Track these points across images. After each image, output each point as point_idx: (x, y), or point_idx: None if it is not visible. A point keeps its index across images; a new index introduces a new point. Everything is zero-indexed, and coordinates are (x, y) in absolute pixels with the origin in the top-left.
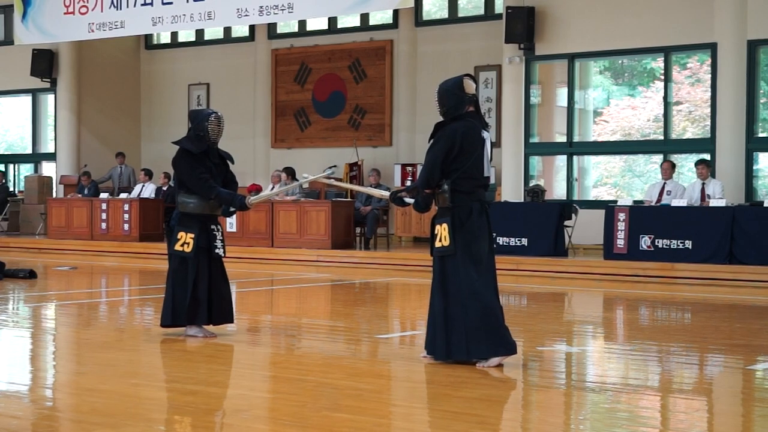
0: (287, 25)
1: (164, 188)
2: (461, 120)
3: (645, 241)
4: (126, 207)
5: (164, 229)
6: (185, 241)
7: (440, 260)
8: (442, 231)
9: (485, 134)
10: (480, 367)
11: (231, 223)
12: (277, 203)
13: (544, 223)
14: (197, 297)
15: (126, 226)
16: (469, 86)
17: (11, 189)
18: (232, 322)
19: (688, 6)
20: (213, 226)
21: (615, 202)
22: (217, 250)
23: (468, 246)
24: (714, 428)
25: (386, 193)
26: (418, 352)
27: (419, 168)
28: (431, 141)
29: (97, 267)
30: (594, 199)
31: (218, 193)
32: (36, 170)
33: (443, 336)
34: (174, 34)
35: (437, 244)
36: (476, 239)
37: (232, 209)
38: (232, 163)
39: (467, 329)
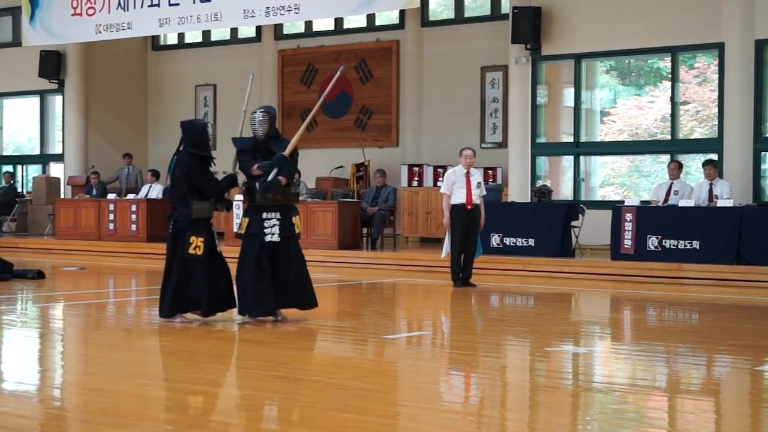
0: (294, 25)
1: None
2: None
3: (652, 242)
4: (133, 207)
5: (169, 231)
6: (197, 245)
7: (290, 240)
8: (297, 221)
9: None
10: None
11: (239, 224)
12: None
13: (551, 224)
14: (206, 290)
15: (133, 227)
16: None
17: (19, 190)
18: (236, 306)
19: (695, 6)
20: (213, 228)
21: (622, 202)
22: (218, 249)
23: None
24: (722, 429)
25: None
26: (425, 353)
27: (425, 168)
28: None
29: (104, 267)
30: (601, 199)
31: (221, 187)
32: (44, 171)
33: (309, 289)
34: (181, 35)
35: (296, 231)
36: None
37: (227, 206)
38: (214, 165)
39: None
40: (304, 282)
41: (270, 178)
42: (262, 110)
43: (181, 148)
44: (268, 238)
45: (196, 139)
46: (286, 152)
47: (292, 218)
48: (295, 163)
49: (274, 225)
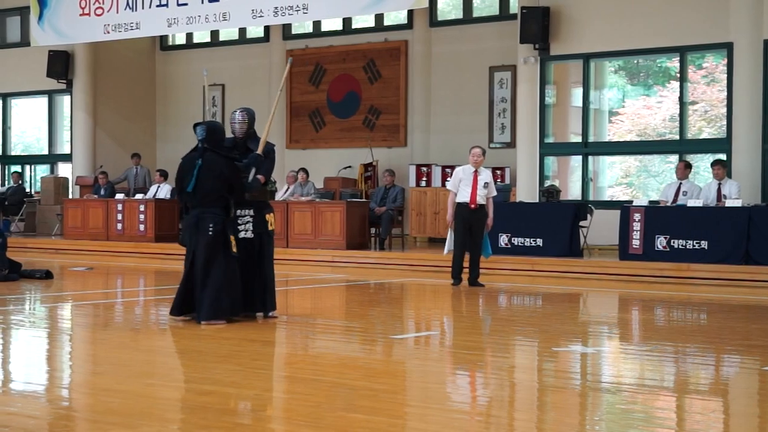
0: (302, 26)
1: None
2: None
3: (660, 242)
4: (141, 208)
5: (210, 234)
6: (234, 243)
7: (263, 236)
8: (271, 218)
9: None
10: (272, 314)
11: None
12: (292, 204)
13: (559, 224)
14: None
15: (141, 227)
16: None
17: (28, 190)
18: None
19: (703, 5)
20: None
21: (630, 202)
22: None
23: None
24: (730, 429)
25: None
26: (433, 353)
27: (434, 168)
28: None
29: (112, 267)
30: (609, 199)
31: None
32: (52, 171)
33: (272, 294)
34: (189, 35)
35: (270, 228)
36: None
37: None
38: None
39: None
40: (273, 285)
41: (250, 179)
42: (241, 110)
43: (203, 149)
44: (241, 235)
45: (221, 142)
46: (259, 150)
47: (266, 215)
48: (272, 161)
49: (247, 222)
